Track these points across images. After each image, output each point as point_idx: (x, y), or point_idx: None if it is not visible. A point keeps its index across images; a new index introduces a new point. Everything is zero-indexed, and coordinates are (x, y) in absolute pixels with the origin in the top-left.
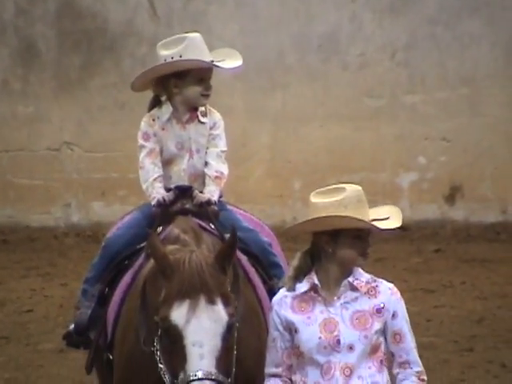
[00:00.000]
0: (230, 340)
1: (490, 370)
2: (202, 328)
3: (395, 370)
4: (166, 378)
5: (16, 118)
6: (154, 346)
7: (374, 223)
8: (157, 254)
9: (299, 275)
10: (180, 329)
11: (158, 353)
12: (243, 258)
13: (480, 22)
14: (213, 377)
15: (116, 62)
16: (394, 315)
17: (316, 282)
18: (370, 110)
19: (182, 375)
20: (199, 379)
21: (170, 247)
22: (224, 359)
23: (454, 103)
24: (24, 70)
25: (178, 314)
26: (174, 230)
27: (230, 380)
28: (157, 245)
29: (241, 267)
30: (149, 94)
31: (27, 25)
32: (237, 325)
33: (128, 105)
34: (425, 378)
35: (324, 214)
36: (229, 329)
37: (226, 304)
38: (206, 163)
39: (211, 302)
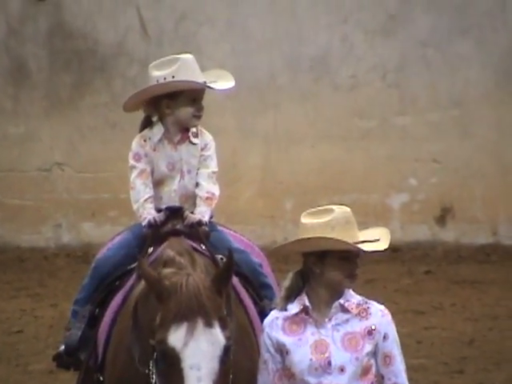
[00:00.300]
0: (227, 363)
1: None
2: (200, 351)
3: None
4: None
5: (6, 138)
6: (148, 369)
7: (363, 245)
8: (149, 279)
9: (290, 296)
10: (177, 352)
11: (154, 376)
12: (234, 279)
13: (470, 44)
14: None
15: (107, 82)
16: (384, 337)
17: (307, 303)
18: (361, 130)
19: None
20: None
21: (166, 271)
22: (221, 382)
23: (444, 125)
24: (15, 89)
25: (176, 336)
26: (168, 251)
27: None
28: (147, 270)
29: (232, 288)
30: (140, 114)
31: (18, 44)
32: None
33: (119, 125)
34: None
35: (311, 235)
36: (226, 352)
37: (224, 327)
38: (197, 184)
39: (209, 325)
